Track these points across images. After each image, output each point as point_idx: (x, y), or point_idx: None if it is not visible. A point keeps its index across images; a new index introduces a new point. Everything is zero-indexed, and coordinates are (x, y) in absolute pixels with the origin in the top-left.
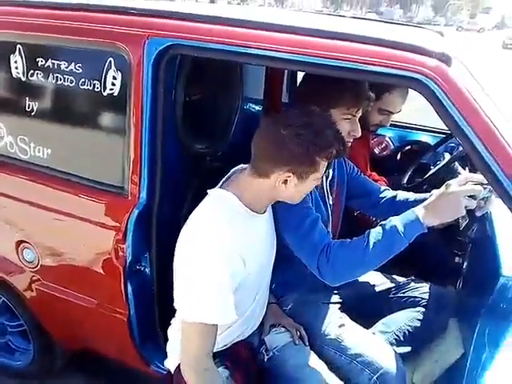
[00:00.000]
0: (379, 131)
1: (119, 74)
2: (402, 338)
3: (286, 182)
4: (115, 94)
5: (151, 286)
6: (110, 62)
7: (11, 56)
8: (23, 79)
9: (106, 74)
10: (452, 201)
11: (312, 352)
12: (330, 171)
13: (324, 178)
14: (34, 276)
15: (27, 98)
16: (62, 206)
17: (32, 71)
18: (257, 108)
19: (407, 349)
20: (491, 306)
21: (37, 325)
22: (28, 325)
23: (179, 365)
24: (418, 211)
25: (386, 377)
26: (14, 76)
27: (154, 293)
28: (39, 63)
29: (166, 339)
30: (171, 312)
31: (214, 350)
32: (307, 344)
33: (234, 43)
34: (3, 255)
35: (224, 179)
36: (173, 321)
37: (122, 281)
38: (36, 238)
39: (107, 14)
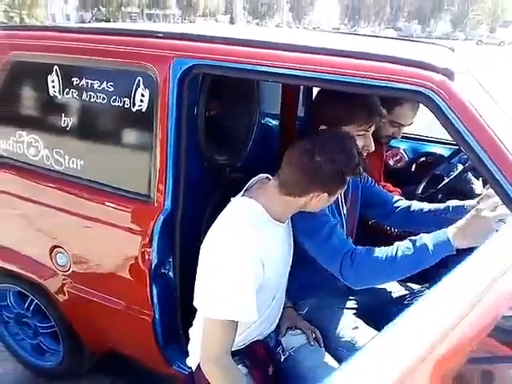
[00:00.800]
0: (394, 143)
1: (147, 91)
2: None
3: (317, 197)
4: (143, 110)
5: (174, 289)
6: (139, 80)
7: (49, 76)
8: (59, 97)
9: (135, 91)
10: (484, 225)
11: (326, 353)
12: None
13: None
14: (65, 279)
15: (63, 114)
16: (93, 213)
17: (67, 89)
18: (273, 122)
19: None
20: None
21: (67, 326)
22: (59, 326)
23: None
24: (450, 232)
25: None
26: (50, 94)
27: (177, 295)
28: (74, 82)
29: (188, 340)
30: (193, 314)
31: (233, 349)
32: (322, 346)
33: (249, 62)
34: (38, 260)
35: (245, 188)
36: (194, 321)
37: (148, 283)
38: (68, 243)
39: (136, 37)
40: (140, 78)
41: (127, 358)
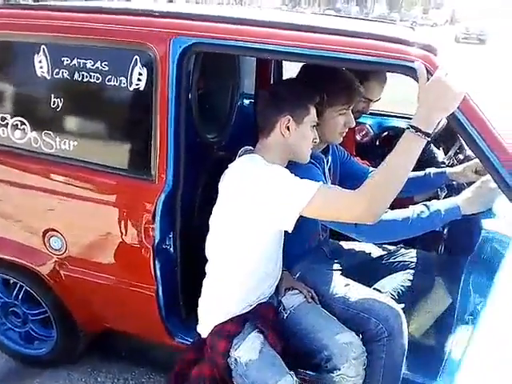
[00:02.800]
0: (360, 119)
1: (145, 70)
2: (396, 297)
3: (288, 128)
4: (141, 88)
5: (175, 263)
6: (136, 59)
7: (35, 56)
8: (48, 77)
9: (132, 70)
10: (489, 195)
11: (323, 309)
12: (330, 157)
13: (324, 163)
14: (61, 262)
15: (52, 95)
16: (90, 194)
17: (57, 70)
18: (247, 102)
19: (402, 305)
20: (474, 258)
21: (61, 310)
22: (52, 311)
23: (213, 328)
24: (459, 200)
25: (391, 322)
26: (38, 75)
27: (178, 269)
28: (64, 62)
29: (188, 312)
30: (193, 286)
31: (244, 311)
32: (318, 303)
33: (247, 40)
34: (30, 245)
35: (238, 156)
36: (203, 290)
37: (151, 259)
38: (64, 226)
39: (133, 16)
40: (137, 56)
41: (124, 336)
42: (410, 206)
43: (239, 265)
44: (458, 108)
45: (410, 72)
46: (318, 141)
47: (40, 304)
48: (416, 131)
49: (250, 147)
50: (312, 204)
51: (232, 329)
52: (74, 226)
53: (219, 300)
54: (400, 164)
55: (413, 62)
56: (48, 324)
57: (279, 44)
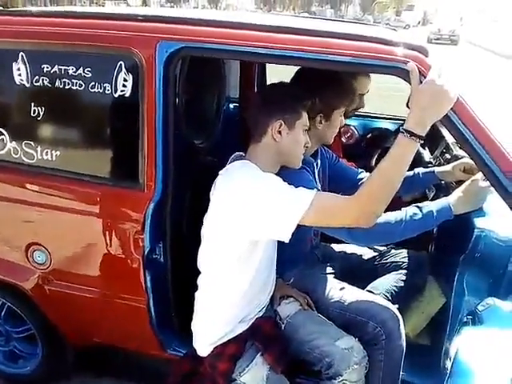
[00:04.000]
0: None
1: (130, 75)
2: (390, 298)
3: (280, 132)
4: (126, 94)
5: (166, 273)
6: (121, 65)
7: (14, 64)
8: (27, 85)
9: (117, 76)
10: (479, 195)
11: (320, 315)
12: (319, 161)
13: (315, 167)
14: (45, 277)
15: (33, 104)
16: (75, 206)
17: (37, 77)
18: (231, 106)
19: (396, 306)
20: (467, 257)
21: (47, 327)
22: (37, 328)
23: (213, 350)
24: (451, 200)
25: (388, 325)
26: (17, 83)
27: (169, 279)
28: (45, 69)
29: (181, 323)
30: (185, 296)
31: (240, 331)
32: (314, 309)
33: (235, 43)
34: (11, 259)
35: (229, 163)
36: (197, 304)
37: (142, 270)
38: (47, 240)
39: (117, 20)
40: (122, 62)
41: (114, 350)
42: (403, 208)
43: (235, 276)
44: (456, 116)
45: (402, 73)
46: (309, 145)
47: (24, 321)
48: (410, 135)
49: (241, 153)
50: (309, 213)
51: (233, 350)
52: (58, 239)
53: (216, 315)
54: (394, 168)
55: (405, 63)
56: (33, 341)
57: (268, 47)
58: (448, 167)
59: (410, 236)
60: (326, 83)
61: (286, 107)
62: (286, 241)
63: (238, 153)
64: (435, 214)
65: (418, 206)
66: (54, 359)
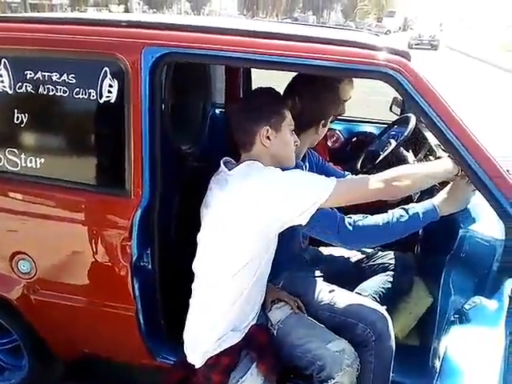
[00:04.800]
0: (330, 125)
1: (115, 81)
2: (378, 299)
3: (268, 138)
4: (112, 100)
5: (154, 280)
6: (106, 71)
7: None
8: (10, 92)
9: (102, 82)
10: (463, 196)
11: (311, 318)
12: (307, 164)
13: (303, 169)
14: (31, 286)
15: (16, 111)
16: (61, 213)
17: (20, 84)
18: (217, 112)
19: (384, 307)
20: (453, 257)
21: (33, 338)
22: (22, 339)
23: (207, 361)
24: (435, 202)
25: (378, 326)
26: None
27: (157, 286)
28: (28, 76)
29: (170, 330)
30: (174, 303)
31: (236, 341)
32: (305, 312)
33: (221, 49)
34: None
35: (225, 169)
36: (191, 311)
37: (129, 277)
38: (32, 249)
39: (101, 26)
40: (107, 68)
41: (103, 361)
42: (389, 211)
43: (236, 284)
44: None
45: (386, 78)
46: (299, 143)
47: (9, 332)
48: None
49: (230, 158)
50: (333, 195)
51: (227, 361)
52: (43, 247)
53: (211, 323)
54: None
55: (388, 68)
56: (18, 353)
57: (252, 52)
58: None
59: (397, 238)
60: (318, 93)
61: (269, 112)
62: (304, 223)
63: (226, 158)
64: (421, 215)
65: (404, 208)
66: (41, 371)
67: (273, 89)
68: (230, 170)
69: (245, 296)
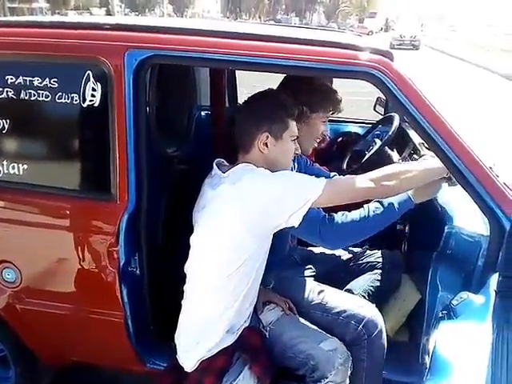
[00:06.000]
0: None
1: (99, 85)
2: (367, 297)
3: (266, 144)
4: (95, 104)
5: (142, 286)
6: (89, 74)
7: None
8: None
9: (85, 86)
10: (436, 184)
11: (302, 319)
12: (295, 164)
13: (292, 169)
14: (16, 295)
15: None
16: (45, 220)
17: (0, 89)
18: (203, 114)
19: (374, 305)
20: (440, 254)
21: (20, 348)
22: (9, 349)
23: (199, 365)
24: (409, 191)
25: (369, 324)
26: None
27: (145, 291)
28: (8, 81)
29: (159, 335)
30: (163, 308)
31: (229, 343)
32: (296, 313)
33: (204, 51)
34: None
35: (219, 172)
36: (183, 315)
37: (117, 283)
38: (17, 257)
39: (83, 29)
40: (89, 71)
41: (93, 369)
42: (365, 205)
43: (232, 287)
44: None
45: (370, 78)
46: (298, 151)
47: None
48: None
49: (222, 160)
50: (322, 196)
51: (220, 365)
52: (28, 255)
53: (204, 326)
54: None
55: (372, 68)
56: (4, 364)
57: (238, 54)
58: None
59: (376, 231)
60: (308, 88)
61: (272, 119)
62: (296, 225)
63: (219, 160)
64: (396, 205)
65: (378, 201)
66: (28, 382)
67: (282, 94)
68: (224, 172)
69: (242, 296)
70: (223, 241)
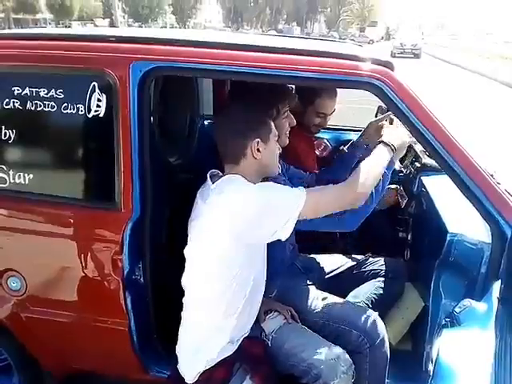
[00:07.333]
0: (318, 135)
1: (104, 96)
2: (370, 305)
3: (258, 150)
4: (101, 115)
5: (146, 294)
6: (94, 85)
7: None
8: None
9: (91, 97)
10: (403, 137)
11: (305, 327)
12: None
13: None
14: (21, 304)
15: (3, 127)
16: (50, 229)
17: (7, 100)
18: (206, 123)
19: (376, 313)
20: (442, 261)
21: (24, 356)
22: (13, 357)
23: (200, 377)
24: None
25: (372, 333)
26: None
27: (149, 300)
28: (15, 92)
29: (163, 344)
30: (167, 316)
31: (230, 353)
32: (299, 321)
33: (208, 62)
34: None
35: (210, 183)
36: (183, 326)
37: (122, 291)
38: (23, 265)
39: (89, 42)
40: (95, 82)
41: (96, 377)
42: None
43: (231, 298)
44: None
45: (371, 88)
46: (280, 150)
47: None
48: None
49: (217, 171)
50: (306, 209)
51: (221, 375)
52: (34, 264)
53: (205, 338)
54: (373, 163)
55: (373, 78)
56: (8, 372)
57: (242, 65)
58: (365, 131)
59: (379, 198)
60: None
61: (257, 125)
62: (283, 239)
63: (213, 170)
64: (386, 171)
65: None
66: None
67: (254, 98)
68: (213, 183)
69: (241, 308)
70: (212, 252)
